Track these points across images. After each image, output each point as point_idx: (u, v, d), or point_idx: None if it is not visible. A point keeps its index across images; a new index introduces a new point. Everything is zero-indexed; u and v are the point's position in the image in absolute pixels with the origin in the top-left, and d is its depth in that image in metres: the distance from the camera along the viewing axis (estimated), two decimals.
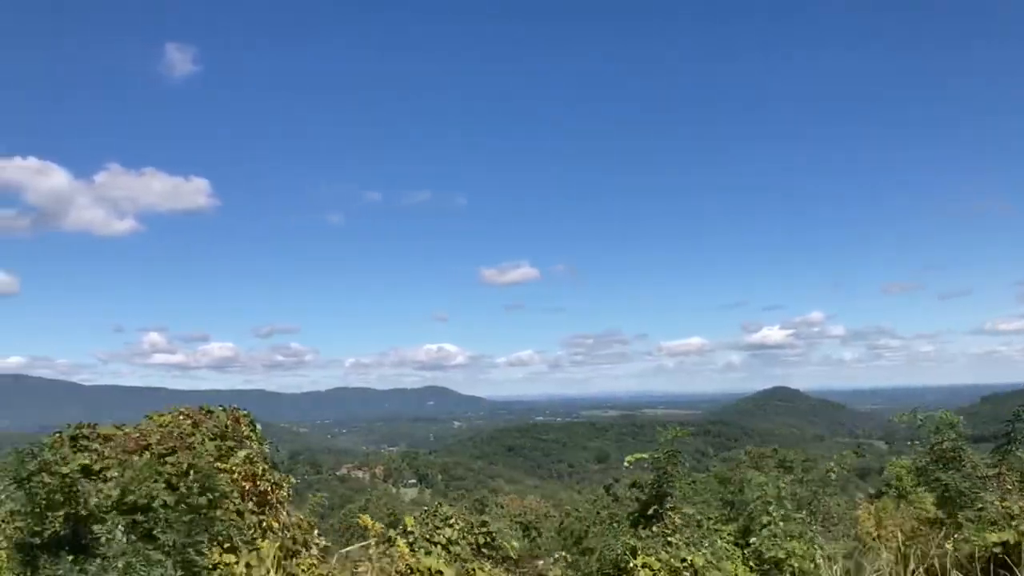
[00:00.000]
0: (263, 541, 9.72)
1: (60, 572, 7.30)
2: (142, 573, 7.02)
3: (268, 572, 9.64)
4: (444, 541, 11.32)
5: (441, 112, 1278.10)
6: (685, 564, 9.84)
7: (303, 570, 10.63)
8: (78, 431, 9.73)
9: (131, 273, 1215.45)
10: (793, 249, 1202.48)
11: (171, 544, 7.65)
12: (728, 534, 11.55)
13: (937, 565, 8.64)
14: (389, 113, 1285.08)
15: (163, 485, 8.58)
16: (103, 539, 7.72)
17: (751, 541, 11.38)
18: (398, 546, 10.02)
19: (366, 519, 10.65)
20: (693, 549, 10.16)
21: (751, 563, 10.88)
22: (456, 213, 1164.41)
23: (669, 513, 11.12)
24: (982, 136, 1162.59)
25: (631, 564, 9.53)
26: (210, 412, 11.02)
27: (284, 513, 10.47)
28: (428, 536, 11.26)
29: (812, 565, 9.98)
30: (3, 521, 9.15)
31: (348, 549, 10.60)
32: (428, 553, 10.23)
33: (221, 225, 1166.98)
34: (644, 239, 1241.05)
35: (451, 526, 11.79)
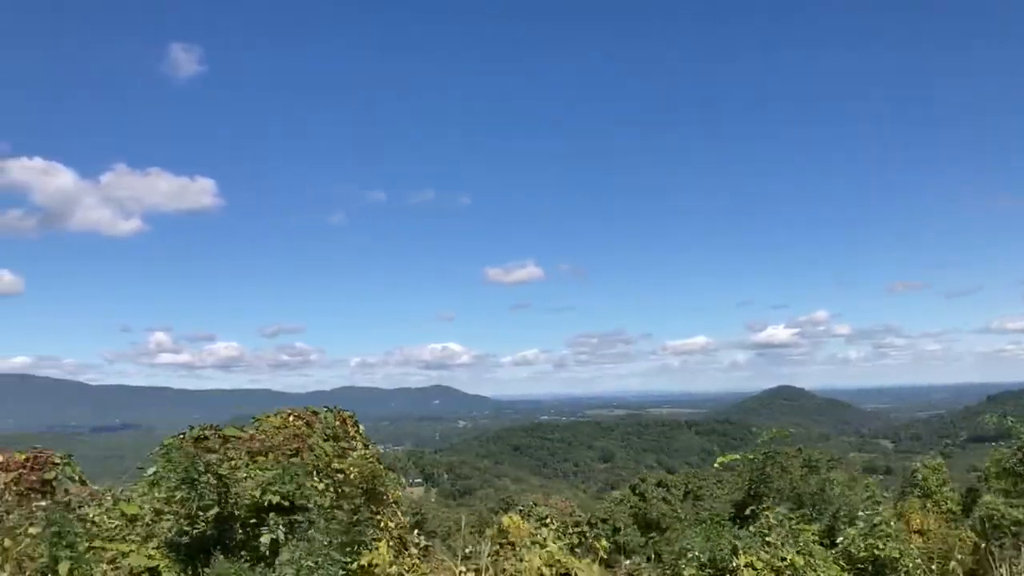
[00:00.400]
0: (380, 541, 10.06)
1: (232, 571, 7.62)
2: (330, 571, 7.33)
3: (384, 572, 9.98)
4: (541, 541, 11.64)
5: (443, 112, 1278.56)
6: (785, 563, 10.13)
7: (406, 569, 10.99)
8: (202, 432, 10.08)
9: (137, 273, 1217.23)
10: (798, 248, 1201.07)
11: (326, 544, 7.97)
12: (812, 534, 11.83)
13: None
14: (392, 113, 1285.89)
15: (315, 485, 8.93)
16: (267, 539, 8.05)
17: (838, 541, 11.68)
18: (549, 547, 10.34)
19: (513, 519, 10.98)
20: (789, 548, 10.44)
21: (840, 563, 11.18)
22: (460, 212, 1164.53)
23: (765, 513, 11.41)
24: (989, 135, 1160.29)
25: (734, 564, 9.82)
26: (316, 413, 11.36)
27: (399, 513, 10.83)
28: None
29: (912, 565, 10.28)
30: (151, 521, 9.47)
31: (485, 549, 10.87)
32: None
33: (226, 225, 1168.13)
34: (649, 238, 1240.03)
35: (547, 526, 12.13)
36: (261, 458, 9.77)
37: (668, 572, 10.26)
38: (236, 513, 8.74)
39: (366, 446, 11.49)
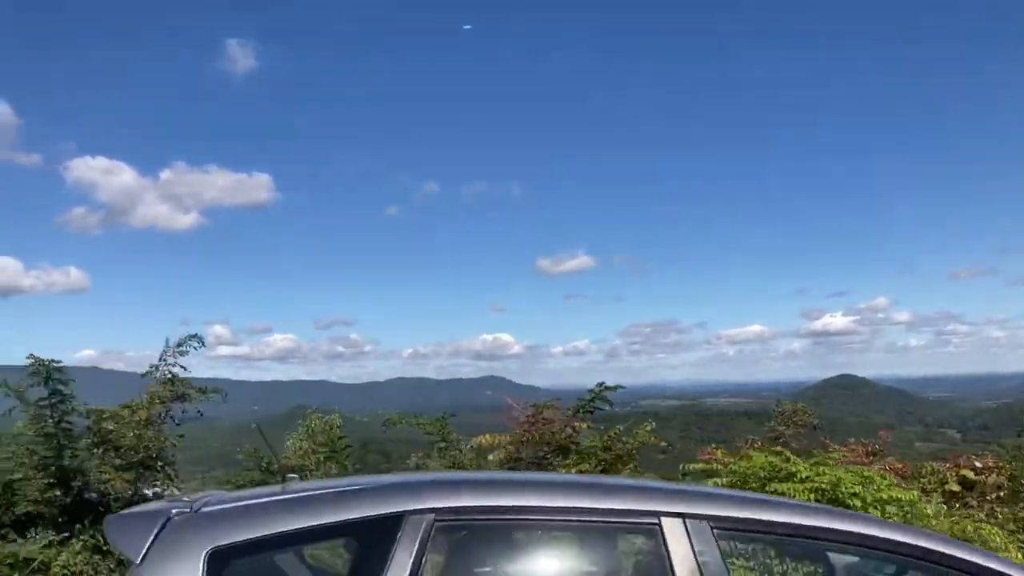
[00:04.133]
0: None
1: None
2: None
3: None
4: None
5: (494, 101, 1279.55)
6: None
7: None
8: None
9: (195, 267, 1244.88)
10: (857, 234, 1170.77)
11: None
12: None
13: None
14: (445, 103, 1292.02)
15: None
16: None
17: None
18: None
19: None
20: None
21: None
22: (512, 203, 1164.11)
23: None
24: None
25: None
26: None
27: None
28: None
29: None
30: None
31: None
32: None
33: (282, 219, 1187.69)
34: (704, 225, 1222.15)
35: None
36: None
37: None
38: None
39: None
